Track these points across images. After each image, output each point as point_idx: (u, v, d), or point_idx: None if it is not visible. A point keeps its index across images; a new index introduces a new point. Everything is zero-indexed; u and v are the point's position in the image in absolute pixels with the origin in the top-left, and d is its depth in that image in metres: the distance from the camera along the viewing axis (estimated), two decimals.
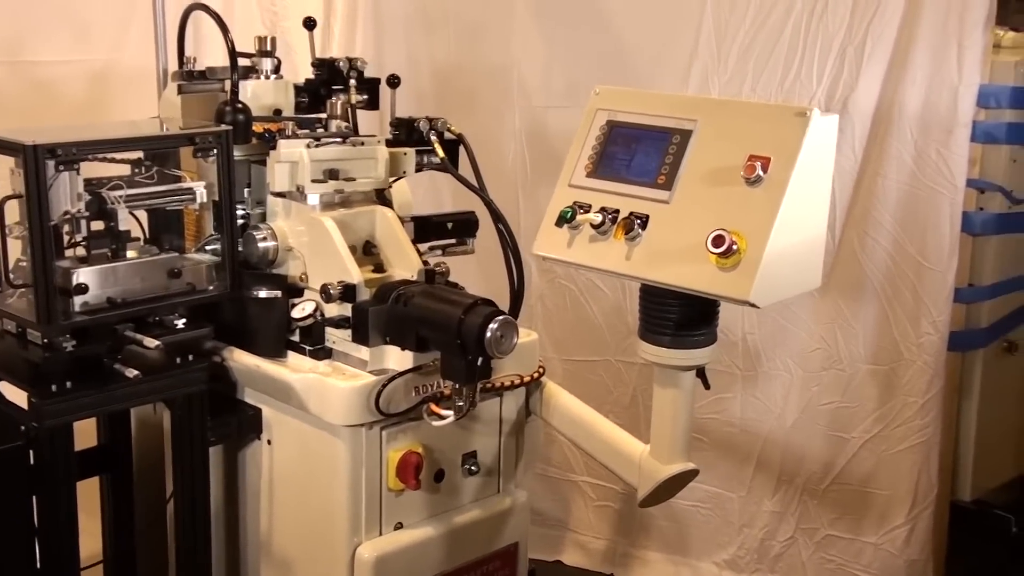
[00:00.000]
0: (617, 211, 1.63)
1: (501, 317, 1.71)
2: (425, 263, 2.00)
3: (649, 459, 1.78)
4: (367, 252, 1.97)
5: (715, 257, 1.50)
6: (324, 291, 1.83)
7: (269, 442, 1.95)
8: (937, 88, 2.47)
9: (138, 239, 1.94)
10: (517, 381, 1.99)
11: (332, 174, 1.94)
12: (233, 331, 1.96)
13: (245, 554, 2.06)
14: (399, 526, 1.91)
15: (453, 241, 2.19)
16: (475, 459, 2.00)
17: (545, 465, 3.13)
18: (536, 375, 2.04)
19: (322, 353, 1.88)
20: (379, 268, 1.95)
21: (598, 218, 1.62)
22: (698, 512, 2.94)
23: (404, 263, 1.93)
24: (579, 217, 1.65)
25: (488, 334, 1.69)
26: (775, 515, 2.82)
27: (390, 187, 2.09)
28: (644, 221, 1.61)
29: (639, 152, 1.63)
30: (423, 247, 2.13)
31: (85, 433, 2.09)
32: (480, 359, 1.74)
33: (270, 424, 1.95)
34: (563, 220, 1.65)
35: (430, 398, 1.85)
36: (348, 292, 1.84)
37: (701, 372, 1.71)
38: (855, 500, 2.69)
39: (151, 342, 1.72)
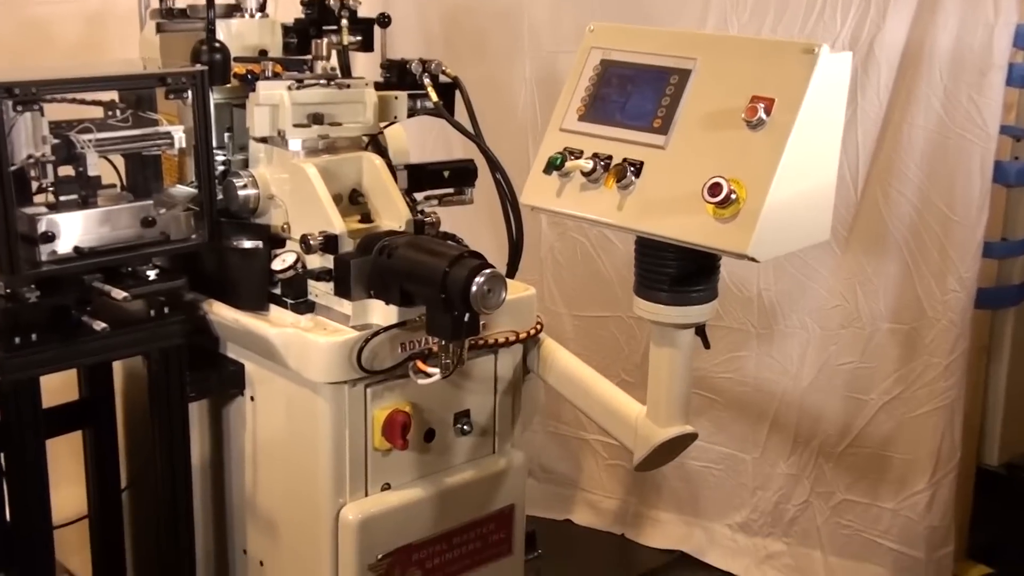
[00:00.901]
0: (610, 157, 1.52)
1: (488, 271, 1.61)
2: (421, 212, 1.90)
3: (646, 421, 1.68)
4: (353, 201, 1.87)
5: (712, 207, 1.39)
6: (304, 242, 1.74)
7: (252, 399, 1.87)
8: (971, 27, 2.31)
9: (114, 186, 1.85)
10: (512, 338, 1.90)
11: (316, 118, 1.83)
12: (213, 283, 1.87)
13: (230, 513, 1.99)
14: (386, 487, 1.83)
15: (451, 191, 2.09)
16: (468, 418, 1.91)
17: (556, 422, 3.04)
18: (533, 331, 1.94)
19: (304, 307, 1.79)
20: (366, 218, 1.85)
21: (588, 164, 1.51)
22: (711, 473, 2.85)
23: (391, 213, 1.83)
24: (569, 164, 1.53)
25: (474, 288, 1.59)
26: (790, 478, 2.71)
27: (382, 132, 1.98)
28: (638, 168, 1.49)
29: (634, 93, 1.52)
30: (419, 196, 2.04)
31: (67, 386, 2.03)
32: (467, 315, 1.64)
33: (253, 380, 1.87)
34: (552, 167, 1.54)
35: (416, 355, 1.75)
36: (330, 243, 1.74)
37: (701, 330, 1.60)
38: (873, 464, 2.58)
39: (119, 293, 1.64)
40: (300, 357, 1.72)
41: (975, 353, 2.56)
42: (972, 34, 2.30)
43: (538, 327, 1.95)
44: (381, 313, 1.75)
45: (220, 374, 1.86)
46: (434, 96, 1.98)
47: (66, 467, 2.06)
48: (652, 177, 1.48)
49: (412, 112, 2.01)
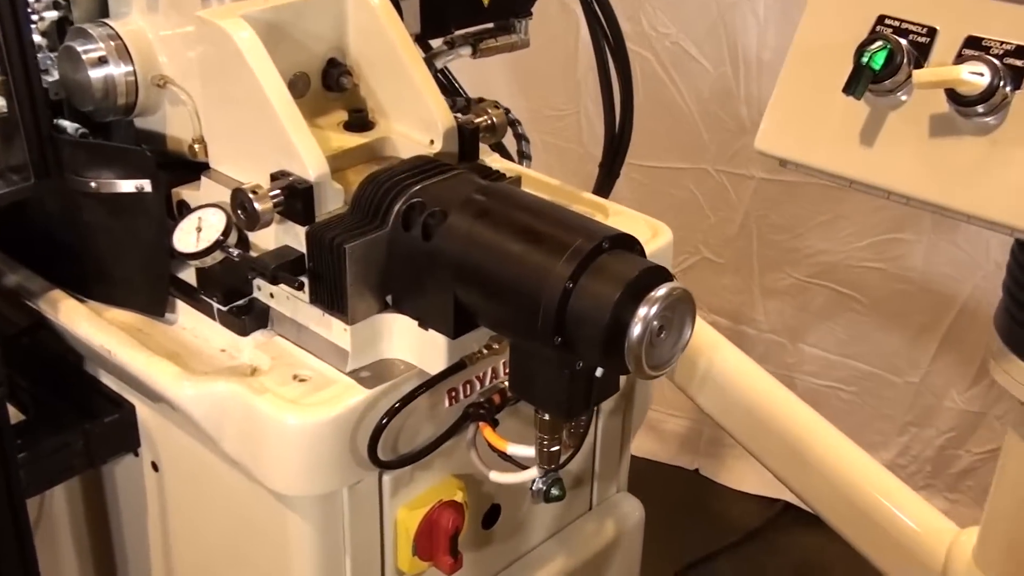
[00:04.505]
0: None
1: (666, 290, 0.76)
2: (461, 101, 1.05)
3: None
4: (333, 84, 0.98)
5: None
6: (237, 203, 0.85)
7: (156, 467, 1.04)
8: None
9: None
10: None
11: None
12: (56, 260, 1.00)
13: None
14: None
15: (490, 27, 1.22)
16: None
17: None
18: None
19: (250, 320, 0.93)
20: (358, 121, 0.97)
21: (980, 75, 0.63)
22: (837, 396, 2.13)
23: (412, 110, 0.96)
24: (905, 73, 0.65)
25: (637, 330, 0.76)
26: (968, 416, 1.99)
27: None
28: None
29: None
30: (436, 43, 1.18)
31: None
32: (603, 370, 0.82)
33: (152, 435, 1.03)
34: (867, 74, 0.65)
35: (479, 411, 0.93)
36: (294, 199, 0.86)
37: None
38: None
39: None
40: (249, 445, 0.89)
41: None
42: None
43: None
44: (408, 339, 0.90)
45: (87, 433, 1.01)
46: None
47: None
48: None
49: None
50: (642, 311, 0.76)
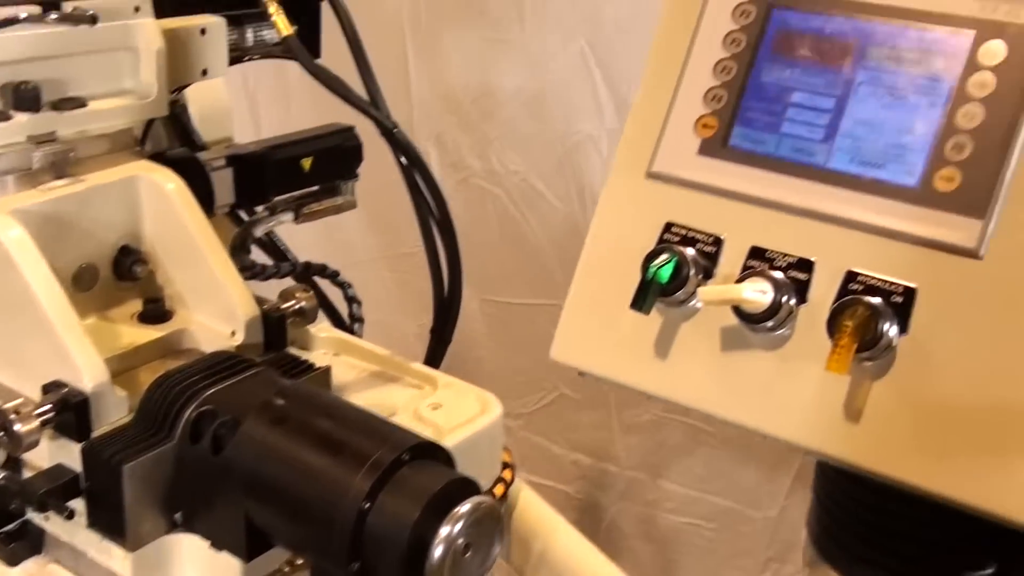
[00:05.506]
0: (808, 267, 0.61)
1: (470, 507, 0.71)
2: (287, 266, 1.00)
3: None
4: (126, 273, 0.91)
5: None
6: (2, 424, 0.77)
7: None
8: None
9: None
10: None
11: (24, 97, 0.85)
12: None
13: None
14: None
15: (314, 189, 1.15)
16: None
17: None
18: (501, 488, 1.04)
19: (22, 546, 0.84)
20: (154, 312, 0.91)
21: (762, 292, 0.59)
22: (699, 533, 2.08)
23: (210, 297, 0.89)
24: (694, 284, 0.62)
25: (438, 551, 0.70)
26: None
27: (179, 100, 1.02)
28: (902, 306, 0.59)
29: (873, 96, 0.60)
30: (260, 212, 1.13)
31: None
32: None
33: None
34: (649, 290, 0.61)
35: None
36: (66, 413, 0.78)
37: None
38: None
39: None
40: None
41: None
42: None
43: (506, 479, 1.06)
44: (199, 562, 0.82)
45: None
46: (284, 24, 1.02)
47: None
48: (945, 336, 0.58)
49: (240, 54, 1.06)
50: (444, 530, 0.70)
